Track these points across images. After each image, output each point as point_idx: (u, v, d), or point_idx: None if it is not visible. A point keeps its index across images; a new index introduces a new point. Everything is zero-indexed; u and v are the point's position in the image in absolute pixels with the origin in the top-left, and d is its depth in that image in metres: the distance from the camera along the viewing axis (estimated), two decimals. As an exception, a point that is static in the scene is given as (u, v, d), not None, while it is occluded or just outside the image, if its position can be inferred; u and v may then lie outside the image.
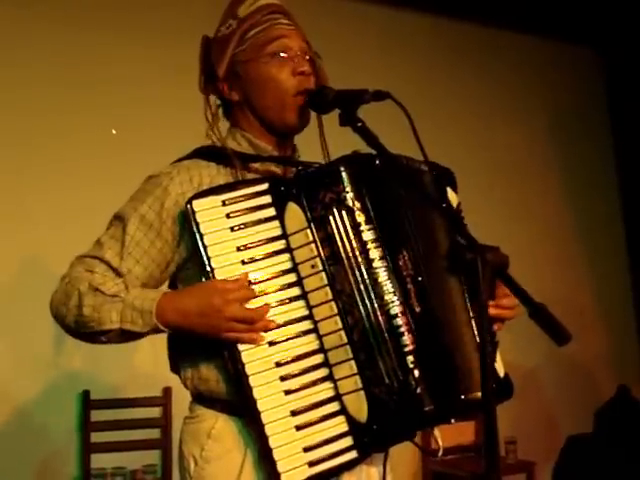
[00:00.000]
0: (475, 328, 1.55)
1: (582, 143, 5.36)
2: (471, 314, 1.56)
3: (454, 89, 4.88)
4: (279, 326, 1.53)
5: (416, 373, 1.49)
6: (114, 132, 3.87)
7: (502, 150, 5.02)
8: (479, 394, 1.46)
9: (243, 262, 1.53)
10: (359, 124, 1.56)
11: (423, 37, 4.86)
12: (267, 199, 1.58)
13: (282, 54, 1.66)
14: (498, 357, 1.67)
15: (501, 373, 1.68)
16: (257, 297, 1.53)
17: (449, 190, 1.71)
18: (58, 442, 3.68)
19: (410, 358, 1.49)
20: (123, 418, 3.67)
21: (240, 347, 1.50)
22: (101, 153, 3.83)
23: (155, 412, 3.82)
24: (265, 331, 1.52)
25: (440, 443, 1.56)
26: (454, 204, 1.72)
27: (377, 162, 1.57)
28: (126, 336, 1.56)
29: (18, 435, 3.62)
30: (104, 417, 3.66)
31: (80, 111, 3.82)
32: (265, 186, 1.59)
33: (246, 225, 1.55)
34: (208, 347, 1.56)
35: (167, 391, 3.76)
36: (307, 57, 1.70)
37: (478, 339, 1.54)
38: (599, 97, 5.59)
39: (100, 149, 3.83)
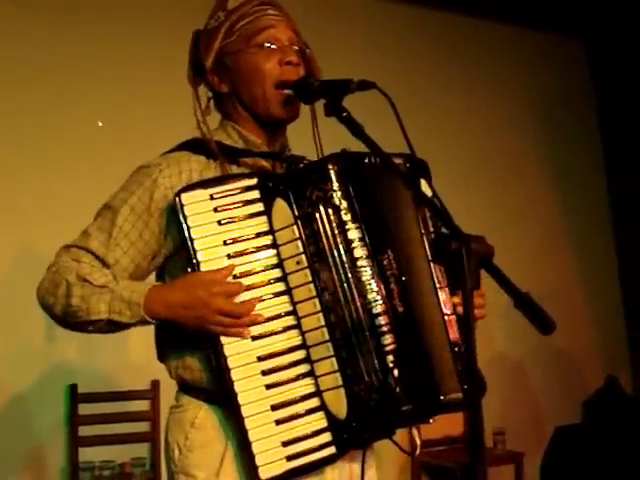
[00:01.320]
0: (449, 328, 1.57)
1: (569, 134, 5.37)
2: (445, 312, 1.58)
3: (439, 80, 4.88)
4: (263, 321, 1.53)
5: (395, 373, 1.50)
6: (100, 124, 3.86)
7: (488, 142, 5.02)
8: (458, 395, 1.49)
9: (229, 256, 1.54)
10: (344, 114, 1.55)
11: (408, 27, 4.86)
12: (255, 194, 1.58)
13: (270, 45, 1.66)
14: None
15: None
16: (242, 291, 1.53)
17: (423, 182, 1.69)
18: (46, 435, 3.69)
19: (390, 358, 1.50)
20: (111, 411, 3.67)
21: (222, 340, 1.51)
22: (92, 148, 3.83)
23: (143, 405, 3.82)
24: (253, 325, 1.52)
25: (418, 442, 1.57)
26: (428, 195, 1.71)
27: (365, 160, 1.57)
28: (113, 327, 1.58)
29: (6, 429, 3.62)
30: (92, 410, 3.66)
31: (71, 107, 3.81)
32: (254, 181, 1.59)
33: (233, 219, 1.56)
34: (193, 337, 1.57)
35: (155, 384, 3.76)
36: (295, 48, 1.70)
37: (460, 332, 1.55)
38: (586, 87, 5.60)
39: (92, 144, 3.83)
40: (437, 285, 1.58)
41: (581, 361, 5.16)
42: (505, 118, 5.11)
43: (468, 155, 4.85)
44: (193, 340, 1.58)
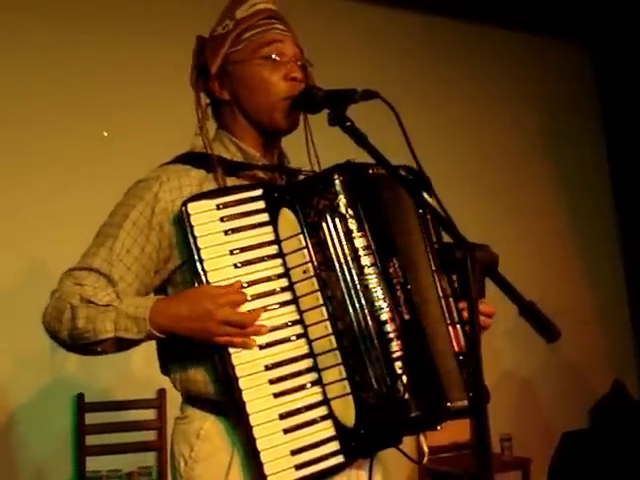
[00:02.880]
0: (454, 337, 1.57)
1: (573, 136, 5.38)
2: (449, 321, 1.58)
3: (443, 86, 4.89)
4: (270, 330, 1.54)
5: (404, 379, 1.50)
6: (105, 134, 3.87)
7: (493, 147, 5.02)
8: (464, 402, 1.51)
9: (235, 266, 1.55)
10: (348, 124, 1.56)
11: (413, 35, 4.87)
12: (261, 204, 1.59)
13: (275, 58, 1.68)
14: None
15: None
16: (248, 301, 1.54)
17: (425, 195, 1.70)
18: (53, 445, 3.68)
19: (398, 364, 1.50)
20: (118, 421, 3.68)
21: (230, 350, 1.52)
22: (95, 155, 3.83)
23: (150, 414, 3.82)
24: (257, 335, 1.52)
25: (425, 449, 1.56)
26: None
27: (370, 171, 1.58)
28: (121, 344, 1.58)
29: (13, 439, 3.62)
30: (99, 420, 3.66)
31: (73, 114, 3.82)
32: (259, 192, 1.60)
33: (240, 229, 1.56)
34: (196, 349, 1.57)
35: (161, 393, 3.76)
36: (299, 63, 1.71)
37: (466, 341, 1.56)
38: (589, 90, 5.60)
39: (94, 151, 3.84)
40: (440, 294, 1.59)
41: (588, 367, 5.15)
42: (509, 123, 5.11)
43: (472, 161, 4.86)
44: (197, 352, 1.58)
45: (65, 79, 3.84)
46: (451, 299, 1.60)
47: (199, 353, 1.58)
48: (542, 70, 5.27)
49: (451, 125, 4.84)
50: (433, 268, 1.60)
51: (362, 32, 4.71)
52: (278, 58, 1.68)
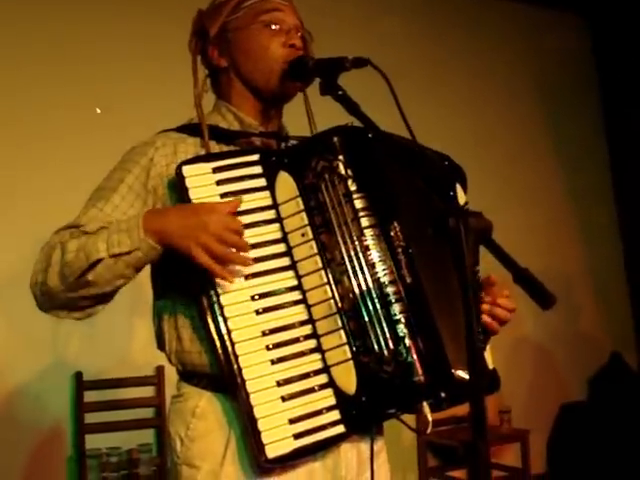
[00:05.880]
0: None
1: (570, 108, 5.35)
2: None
3: (440, 56, 4.86)
4: (267, 295, 1.49)
5: (407, 342, 1.46)
6: (98, 111, 3.84)
7: (489, 118, 4.99)
8: (465, 374, 1.44)
9: None
10: (340, 92, 1.52)
11: (409, 4, 4.83)
12: (258, 169, 1.56)
13: (274, 26, 1.66)
14: (488, 349, 1.65)
15: (490, 365, 1.65)
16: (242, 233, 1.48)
17: (458, 187, 1.67)
18: (52, 424, 3.68)
19: (401, 327, 1.47)
20: (116, 398, 3.68)
21: (226, 314, 1.46)
22: (87, 130, 3.80)
23: (148, 391, 3.82)
24: (243, 266, 1.46)
25: (429, 418, 1.49)
26: (461, 201, 1.67)
27: (369, 134, 1.54)
28: (114, 269, 1.47)
29: (13, 418, 3.61)
30: (98, 398, 3.66)
31: (66, 88, 3.79)
32: (256, 157, 1.57)
33: (236, 193, 1.52)
34: (191, 317, 1.54)
35: (160, 370, 3.75)
36: (299, 34, 1.70)
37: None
38: (586, 61, 5.57)
39: (87, 126, 3.80)
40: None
41: (586, 338, 5.15)
42: (506, 94, 5.08)
43: (469, 133, 4.82)
44: (191, 321, 1.55)
45: (59, 53, 3.81)
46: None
47: (193, 322, 1.55)
48: (540, 40, 5.23)
49: (448, 97, 4.81)
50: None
51: (359, 5, 4.67)
52: (278, 26, 1.66)
